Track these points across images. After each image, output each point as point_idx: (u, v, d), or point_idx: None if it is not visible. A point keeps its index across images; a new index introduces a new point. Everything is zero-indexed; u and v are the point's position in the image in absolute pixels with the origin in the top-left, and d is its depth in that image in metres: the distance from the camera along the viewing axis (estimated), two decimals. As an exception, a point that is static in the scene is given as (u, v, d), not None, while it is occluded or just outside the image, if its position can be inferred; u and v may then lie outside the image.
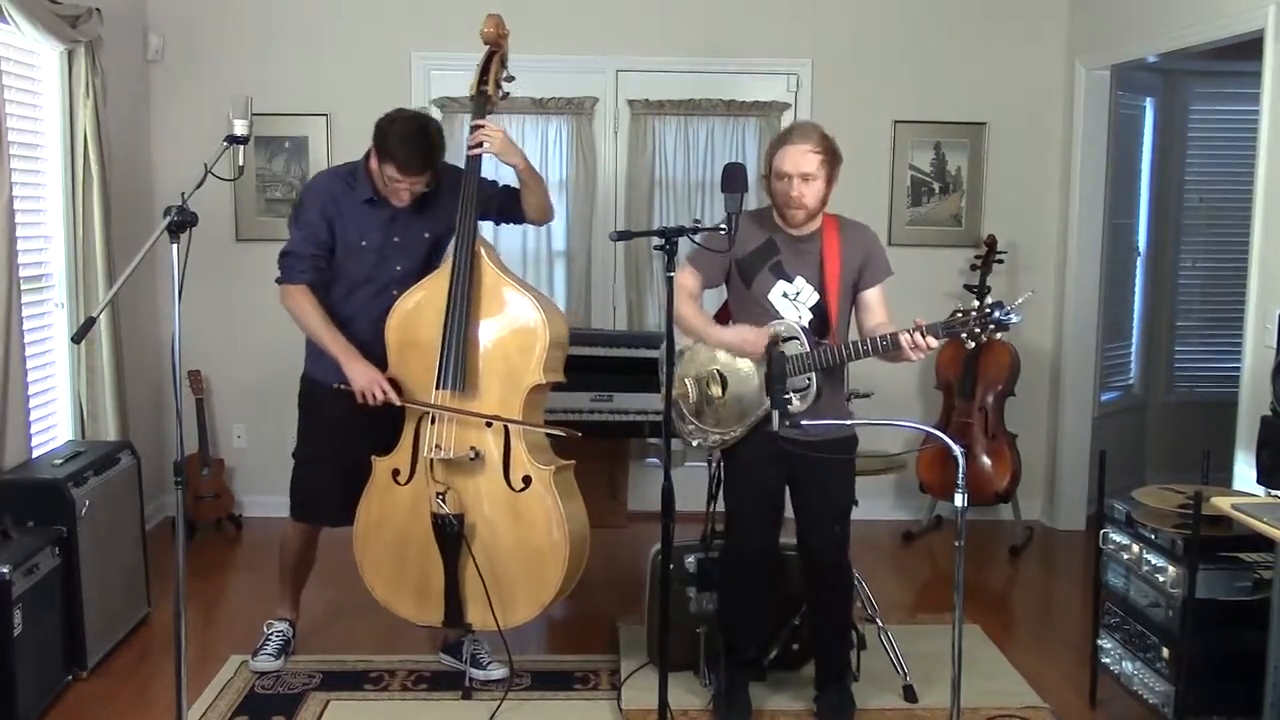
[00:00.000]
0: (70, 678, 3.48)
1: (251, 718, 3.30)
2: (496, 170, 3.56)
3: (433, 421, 3.27)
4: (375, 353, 3.35)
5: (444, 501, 3.22)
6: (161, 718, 3.29)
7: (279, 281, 3.39)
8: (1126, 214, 5.56)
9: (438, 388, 3.23)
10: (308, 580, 3.76)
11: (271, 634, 3.67)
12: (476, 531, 3.26)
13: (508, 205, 3.50)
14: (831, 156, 3.04)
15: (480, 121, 3.33)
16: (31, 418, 3.92)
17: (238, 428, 5.31)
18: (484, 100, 3.40)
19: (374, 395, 3.27)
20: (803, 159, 3.00)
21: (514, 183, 3.49)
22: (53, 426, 4.27)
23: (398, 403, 3.28)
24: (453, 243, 3.31)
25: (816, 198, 3.03)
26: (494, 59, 3.43)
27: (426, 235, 3.43)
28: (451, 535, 3.22)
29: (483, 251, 3.29)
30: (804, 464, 3.09)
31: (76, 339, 2.93)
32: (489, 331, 3.27)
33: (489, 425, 3.24)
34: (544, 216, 3.55)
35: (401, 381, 3.32)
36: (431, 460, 3.25)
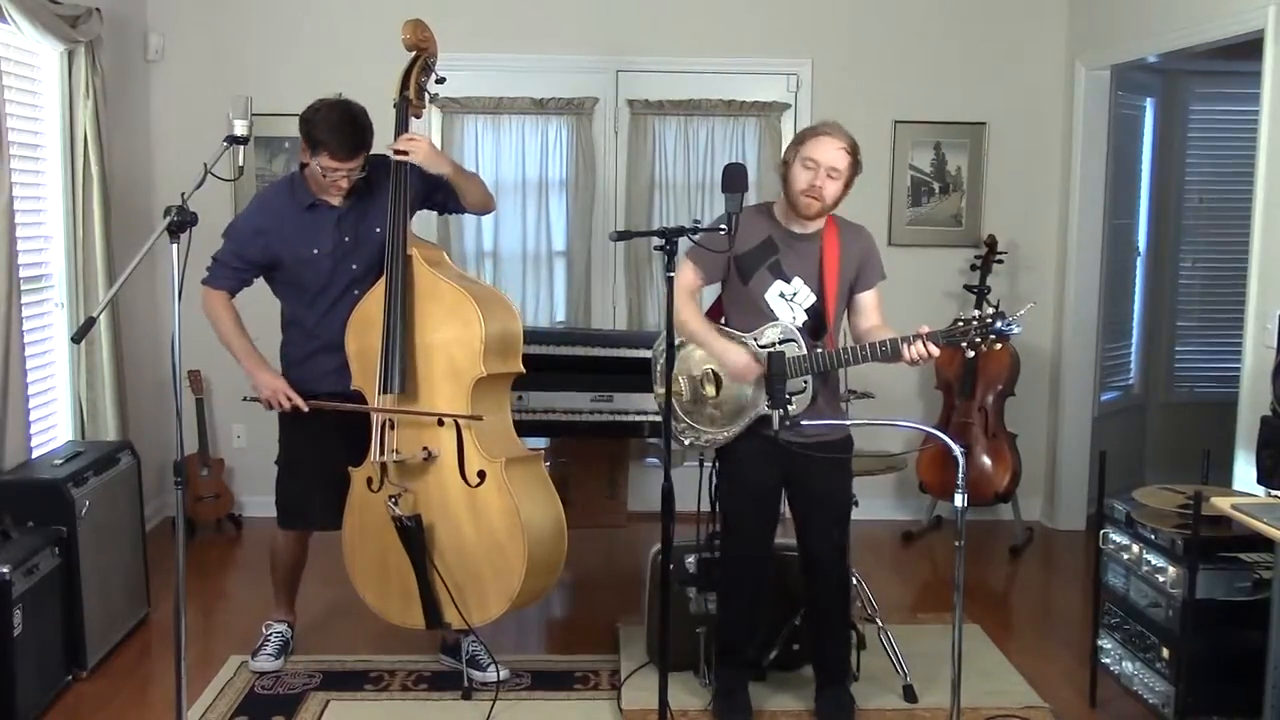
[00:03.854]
0: (70, 678, 3.48)
1: (251, 718, 3.30)
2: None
3: (391, 427, 3.29)
4: (343, 357, 3.39)
5: (397, 504, 3.23)
6: (161, 718, 3.29)
7: (203, 283, 3.43)
8: (1126, 214, 5.56)
9: (380, 393, 3.26)
10: (302, 581, 3.76)
11: (270, 634, 3.67)
12: (438, 530, 3.28)
13: (448, 198, 3.52)
14: (856, 163, 3.06)
15: (407, 135, 3.35)
16: (31, 418, 3.92)
17: (237, 428, 5.31)
18: (405, 106, 3.42)
19: (280, 402, 3.35)
20: (836, 154, 3.01)
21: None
22: (53, 426, 4.27)
23: (305, 408, 3.34)
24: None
25: (834, 196, 3.04)
26: (415, 65, 3.43)
27: (378, 230, 3.41)
28: (411, 537, 3.23)
29: (415, 254, 3.30)
30: (801, 465, 3.09)
31: (76, 339, 2.93)
32: (427, 331, 3.29)
33: (441, 424, 3.26)
34: (484, 207, 3.57)
35: (364, 391, 3.35)
36: (387, 464, 3.28)
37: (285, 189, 3.46)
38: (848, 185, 3.05)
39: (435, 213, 3.77)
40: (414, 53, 3.43)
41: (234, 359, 3.44)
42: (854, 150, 3.05)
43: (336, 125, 3.24)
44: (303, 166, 3.39)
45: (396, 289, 3.26)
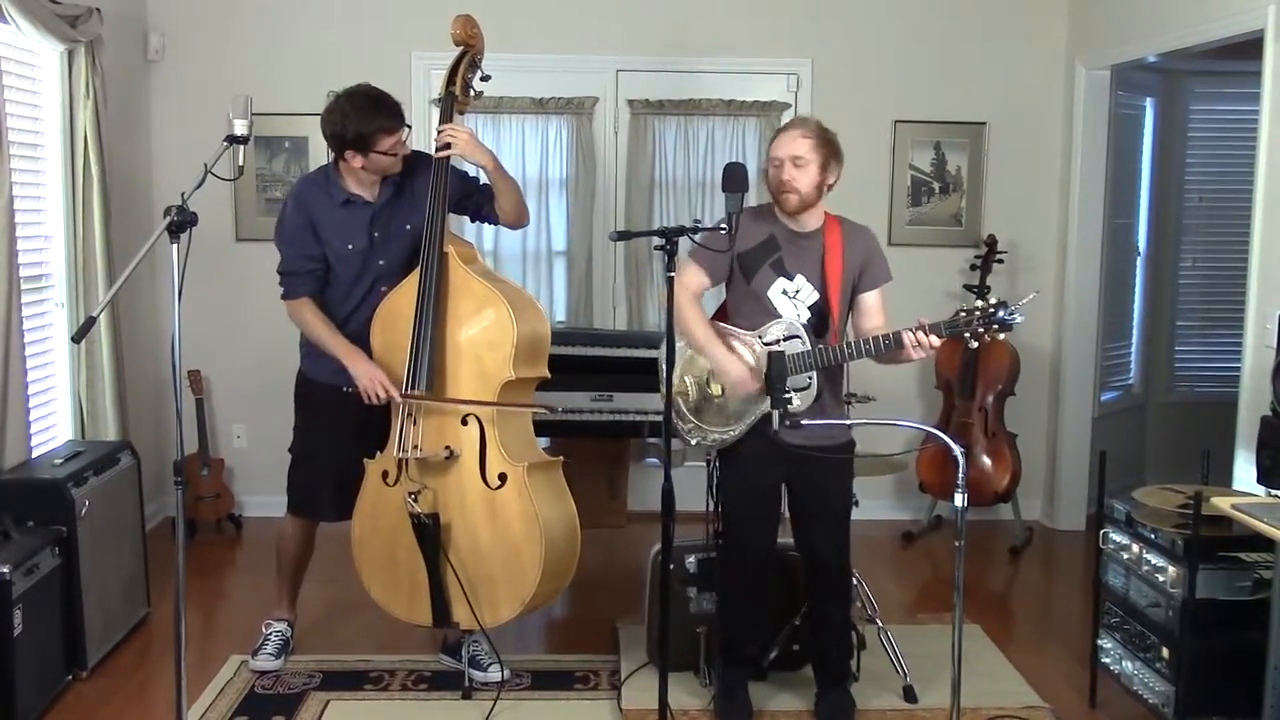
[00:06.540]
0: (70, 678, 3.48)
1: (251, 718, 3.30)
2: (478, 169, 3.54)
3: (415, 423, 3.28)
4: (369, 351, 3.37)
5: (416, 501, 3.23)
6: (161, 718, 3.29)
7: (283, 298, 3.42)
8: (1126, 214, 5.56)
9: (407, 388, 3.24)
10: (304, 579, 3.77)
11: (270, 634, 3.67)
12: (454, 530, 3.27)
13: (485, 204, 3.51)
14: (826, 145, 3.04)
15: (446, 125, 3.34)
16: (31, 418, 3.92)
17: (238, 428, 5.31)
18: (451, 101, 3.41)
19: (376, 395, 3.29)
20: (793, 143, 3.01)
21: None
22: (53, 426, 4.27)
23: (399, 399, 3.28)
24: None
25: (809, 184, 3.02)
26: (463, 60, 3.42)
27: (408, 227, 3.41)
28: (427, 535, 3.23)
29: (451, 251, 3.29)
30: (802, 465, 3.09)
31: (76, 339, 2.93)
32: (459, 330, 3.28)
33: (465, 423, 3.25)
34: (518, 220, 3.52)
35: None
36: (408, 460, 3.27)
37: (321, 184, 3.42)
38: (824, 168, 3.04)
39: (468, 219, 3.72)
40: (461, 48, 3.42)
41: (333, 355, 3.36)
42: (817, 135, 3.04)
43: (371, 107, 3.24)
44: (336, 162, 3.38)
45: (430, 285, 3.24)
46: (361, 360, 3.33)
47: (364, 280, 3.42)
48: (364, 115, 3.23)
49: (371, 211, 3.40)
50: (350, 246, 3.38)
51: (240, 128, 2.81)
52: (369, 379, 3.29)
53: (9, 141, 3.73)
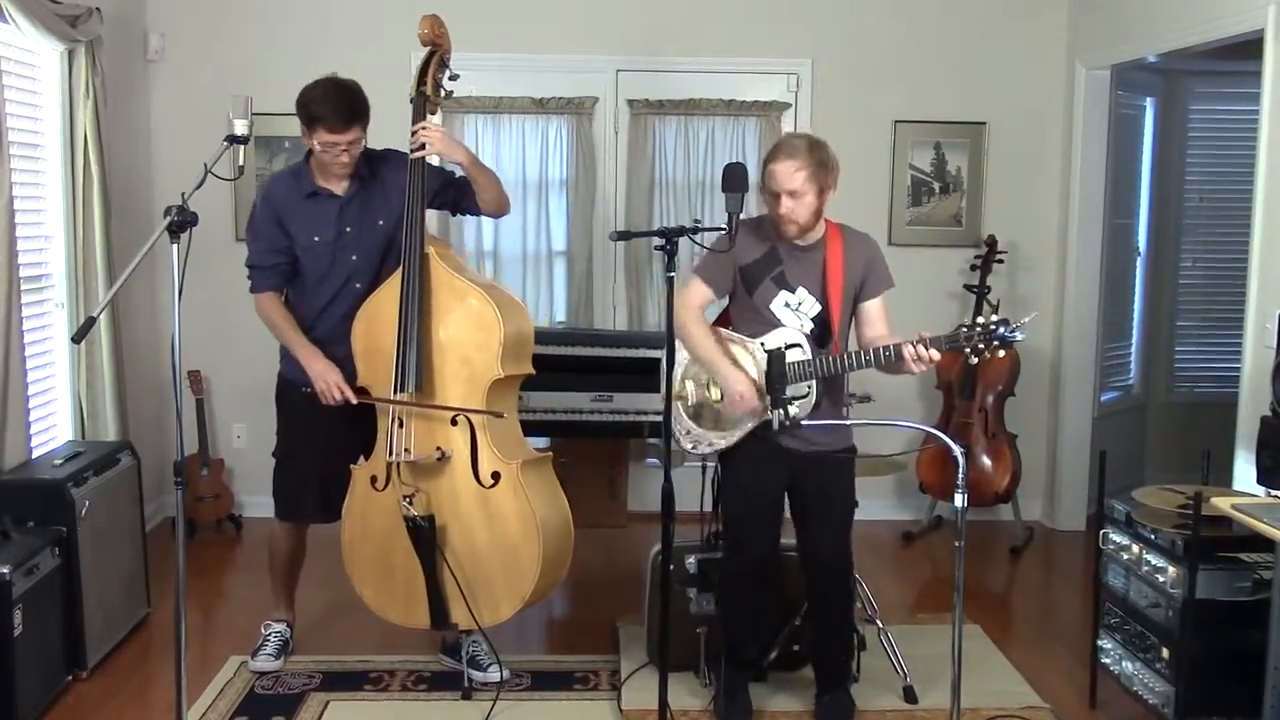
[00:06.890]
0: (70, 678, 3.48)
1: (251, 718, 3.30)
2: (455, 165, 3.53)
3: (400, 425, 3.28)
4: (344, 350, 3.37)
5: (411, 504, 3.22)
6: (161, 718, 3.30)
7: (250, 291, 3.44)
8: (1126, 214, 5.56)
9: (395, 391, 3.24)
10: (300, 580, 3.76)
11: (270, 634, 3.67)
12: (450, 531, 3.26)
13: (461, 197, 3.50)
14: (820, 169, 2.98)
15: (420, 125, 3.34)
16: (31, 418, 3.92)
17: (237, 428, 5.31)
18: (423, 101, 3.41)
19: (332, 395, 3.30)
20: (788, 177, 2.97)
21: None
22: (53, 426, 4.27)
23: (354, 401, 3.30)
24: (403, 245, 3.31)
25: (808, 212, 3.01)
26: (432, 60, 3.42)
27: (380, 223, 3.40)
28: (423, 537, 3.22)
29: (432, 251, 3.29)
30: (803, 467, 3.09)
31: (76, 339, 2.93)
32: (444, 331, 3.27)
33: (454, 423, 3.24)
34: (499, 209, 3.53)
35: (371, 388, 3.33)
36: (398, 464, 3.26)
37: (290, 177, 3.46)
38: (821, 193, 3.01)
39: (448, 213, 3.72)
40: (429, 48, 3.43)
41: (291, 352, 3.40)
42: (811, 161, 2.97)
43: (330, 97, 3.24)
44: (308, 156, 3.39)
45: (413, 287, 3.23)
46: (317, 359, 3.34)
47: (334, 276, 3.41)
48: (321, 99, 3.24)
49: (339, 204, 3.39)
50: (317, 239, 3.38)
51: (240, 128, 2.82)
52: (324, 380, 3.31)
53: (9, 141, 3.73)
